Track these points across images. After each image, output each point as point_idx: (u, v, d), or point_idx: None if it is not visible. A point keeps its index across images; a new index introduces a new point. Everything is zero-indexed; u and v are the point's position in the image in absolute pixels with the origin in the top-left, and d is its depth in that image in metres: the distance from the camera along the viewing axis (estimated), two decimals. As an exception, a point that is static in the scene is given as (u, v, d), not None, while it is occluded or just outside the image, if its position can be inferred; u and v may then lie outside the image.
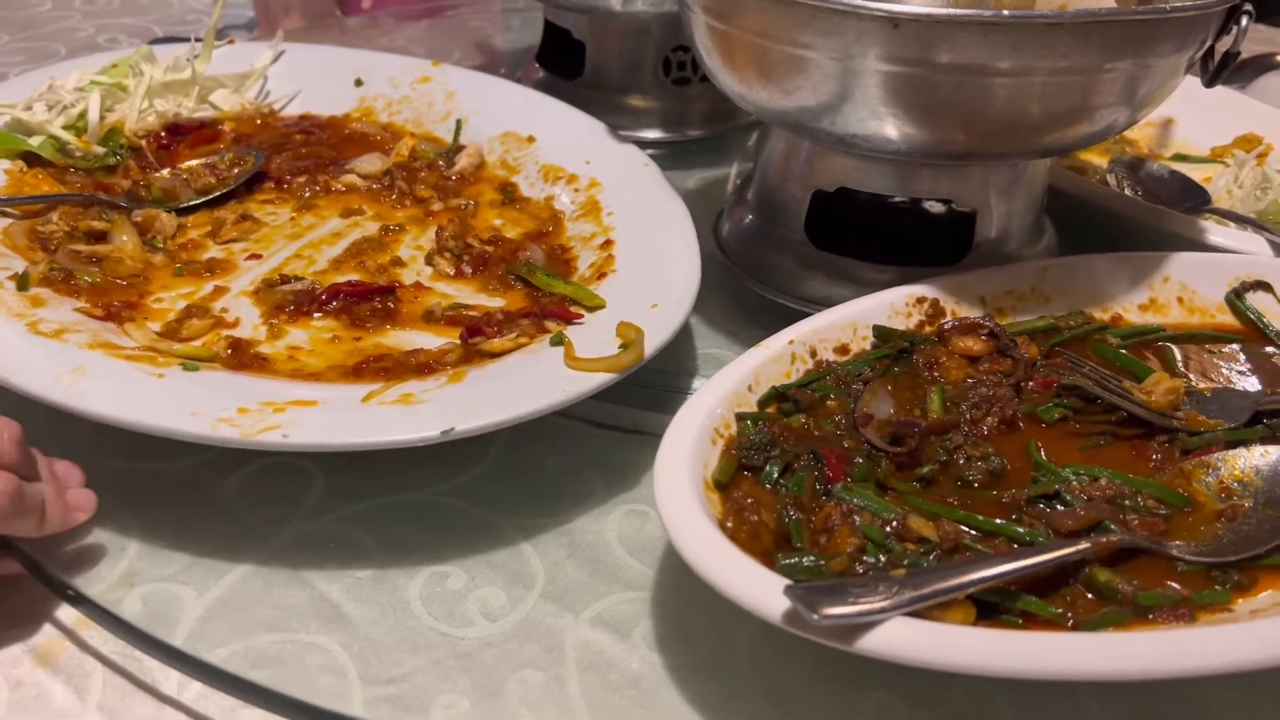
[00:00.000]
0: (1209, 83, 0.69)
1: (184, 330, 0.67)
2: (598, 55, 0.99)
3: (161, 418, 0.55)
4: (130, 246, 0.74)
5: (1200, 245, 0.74)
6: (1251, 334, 0.68)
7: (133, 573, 0.55)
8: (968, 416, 0.59)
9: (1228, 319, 0.69)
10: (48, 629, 0.53)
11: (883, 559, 0.50)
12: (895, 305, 0.67)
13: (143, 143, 0.88)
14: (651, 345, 0.62)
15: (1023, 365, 0.63)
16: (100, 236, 0.75)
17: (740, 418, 0.58)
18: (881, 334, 0.65)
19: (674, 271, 0.70)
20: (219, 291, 0.72)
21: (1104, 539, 0.50)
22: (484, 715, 0.49)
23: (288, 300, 0.70)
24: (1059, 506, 0.53)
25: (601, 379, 0.59)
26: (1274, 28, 1.30)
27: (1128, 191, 0.86)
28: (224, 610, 0.53)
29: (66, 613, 0.54)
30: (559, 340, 0.64)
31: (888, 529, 0.51)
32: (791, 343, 0.63)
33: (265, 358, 0.65)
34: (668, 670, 0.51)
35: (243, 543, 0.57)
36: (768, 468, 0.55)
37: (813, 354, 0.63)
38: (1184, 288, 0.70)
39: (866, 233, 0.73)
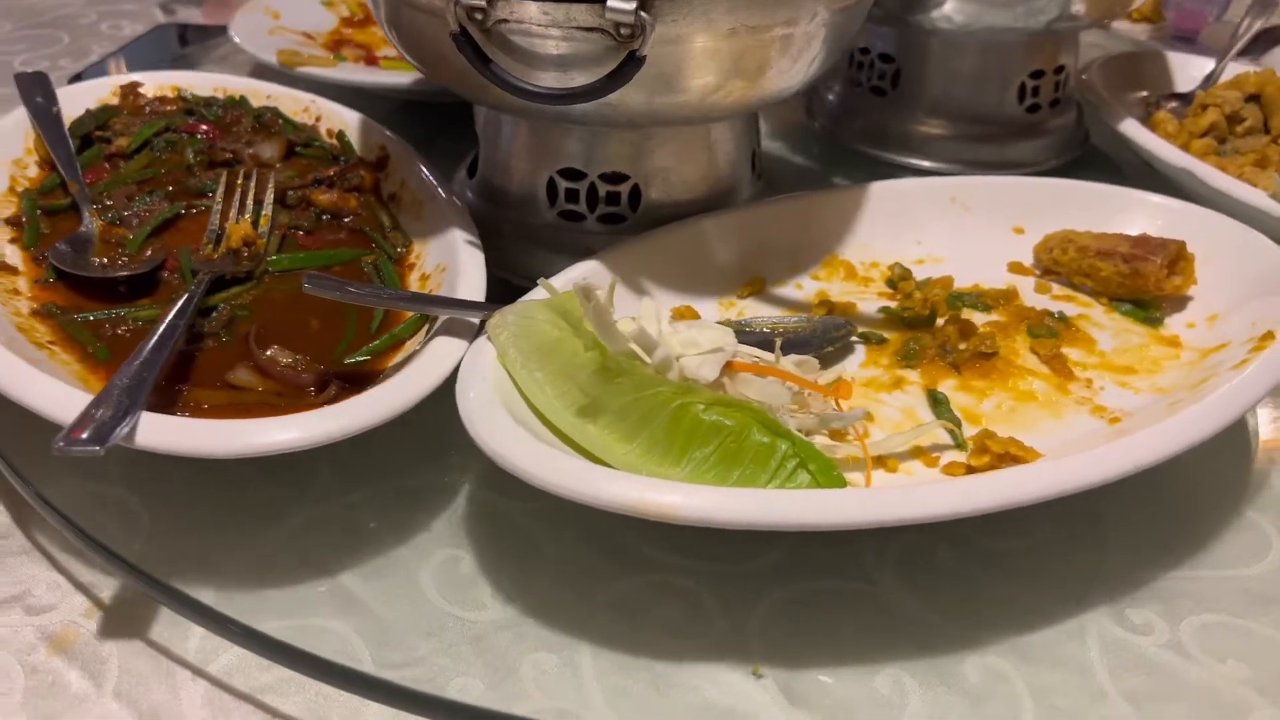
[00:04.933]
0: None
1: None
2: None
3: None
4: None
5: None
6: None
7: (145, 557, 0.54)
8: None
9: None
10: (63, 616, 0.53)
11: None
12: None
13: None
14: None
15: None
16: None
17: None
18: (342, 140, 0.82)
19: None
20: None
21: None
22: (498, 698, 0.49)
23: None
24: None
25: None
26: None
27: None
28: (235, 594, 0.53)
29: (81, 599, 0.54)
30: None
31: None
32: (271, 97, 0.86)
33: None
34: (680, 653, 0.51)
35: (252, 528, 0.57)
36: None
37: (315, 118, 0.85)
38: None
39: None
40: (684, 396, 0.52)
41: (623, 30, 0.57)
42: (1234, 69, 1.00)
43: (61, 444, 0.48)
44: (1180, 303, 0.70)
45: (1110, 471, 0.51)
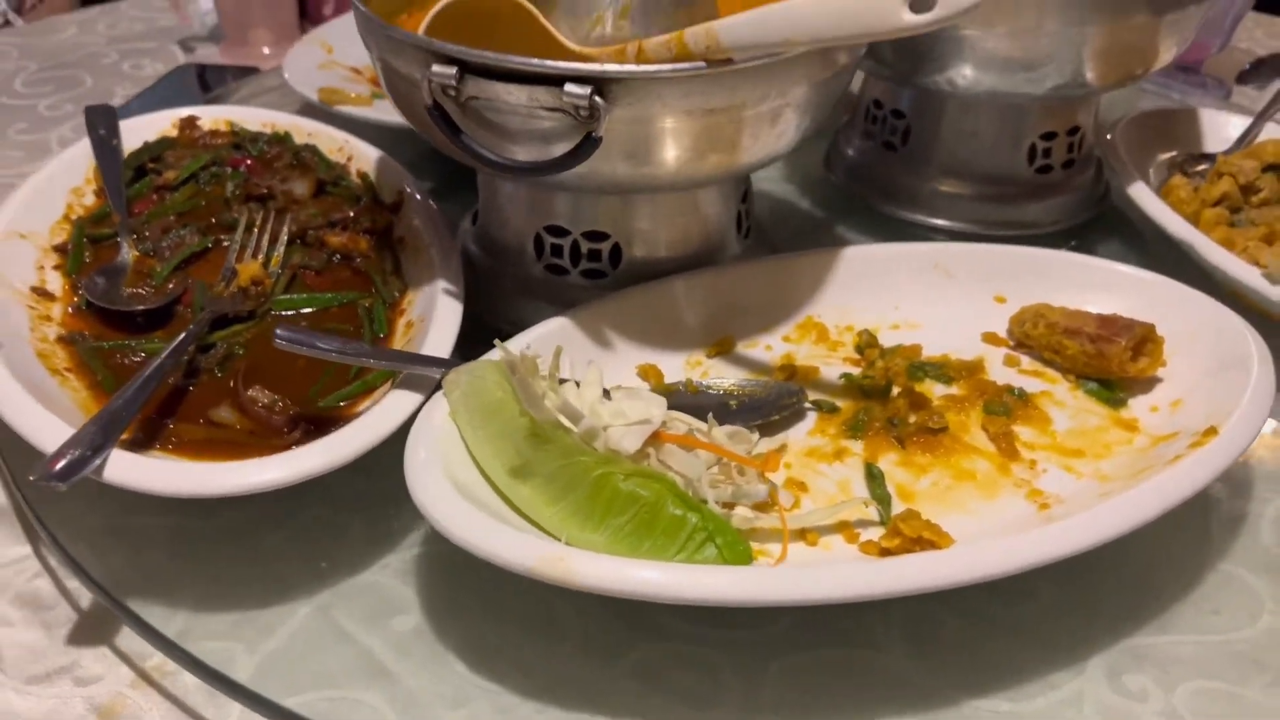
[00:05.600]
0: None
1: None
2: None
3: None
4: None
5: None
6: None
7: (187, 631, 0.57)
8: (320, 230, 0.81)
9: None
10: (110, 686, 0.57)
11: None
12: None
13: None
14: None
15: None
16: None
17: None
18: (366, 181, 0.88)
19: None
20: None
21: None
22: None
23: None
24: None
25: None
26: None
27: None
28: (274, 667, 0.56)
29: (126, 670, 0.58)
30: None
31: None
32: (311, 135, 0.92)
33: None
34: (690, 718, 0.54)
35: (288, 597, 0.60)
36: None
37: (348, 158, 0.91)
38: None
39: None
40: (605, 466, 0.55)
41: (580, 111, 0.60)
42: (1271, 128, 0.98)
43: (33, 478, 0.54)
44: (1148, 384, 0.70)
45: (1012, 565, 0.53)
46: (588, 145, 0.61)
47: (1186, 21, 0.83)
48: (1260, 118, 0.99)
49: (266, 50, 1.35)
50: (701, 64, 0.60)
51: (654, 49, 0.62)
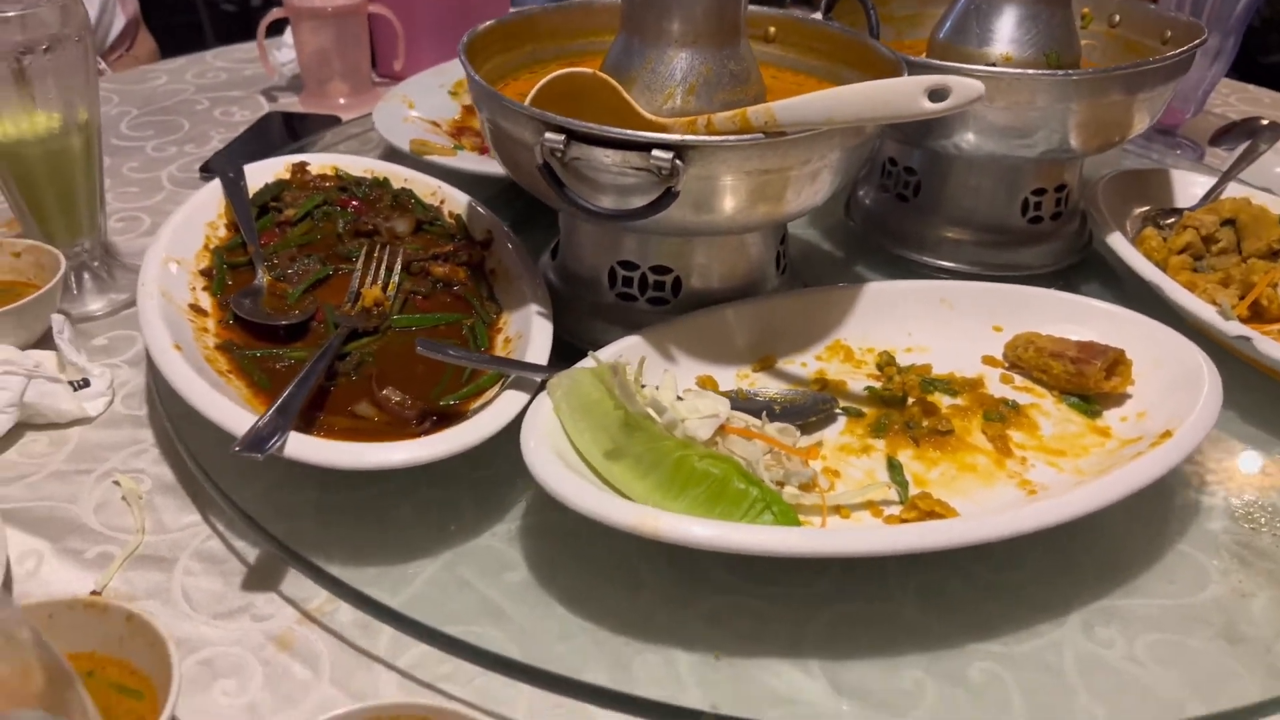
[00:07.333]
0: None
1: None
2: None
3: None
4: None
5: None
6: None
7: (340, 581, 0.71)
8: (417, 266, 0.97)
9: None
10: (280, 623, 0.70)
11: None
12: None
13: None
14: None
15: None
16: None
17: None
18: (459, 222, 1.03)
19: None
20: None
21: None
22: (617, 684, 0.65)
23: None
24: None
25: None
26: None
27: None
28: (415, 607, 0.69)
29: (291, 610, 0.71)
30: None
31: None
32: (407, 181, 1.07)
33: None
34: (753, 654, 0.68)
35: (417, 557, 0.74)
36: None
37: (440, 201, 1.06)
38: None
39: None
40: (684, 449, 0.70)
41: (663, 170, 0.75)
42: (1233, 187, 1.14)
43: (235, 449, 0.69)
44: (1119, 399, 0.85)
45: (1004, 532, 0.67)
46: (667, 198, 0.76)
47: (1157, 99, 0.99)
48: (1224, 178, 1.14)
49: (342, 101, 1.51)
50: (760, 135, 0.75)
51: (721, 122, 0.78)
